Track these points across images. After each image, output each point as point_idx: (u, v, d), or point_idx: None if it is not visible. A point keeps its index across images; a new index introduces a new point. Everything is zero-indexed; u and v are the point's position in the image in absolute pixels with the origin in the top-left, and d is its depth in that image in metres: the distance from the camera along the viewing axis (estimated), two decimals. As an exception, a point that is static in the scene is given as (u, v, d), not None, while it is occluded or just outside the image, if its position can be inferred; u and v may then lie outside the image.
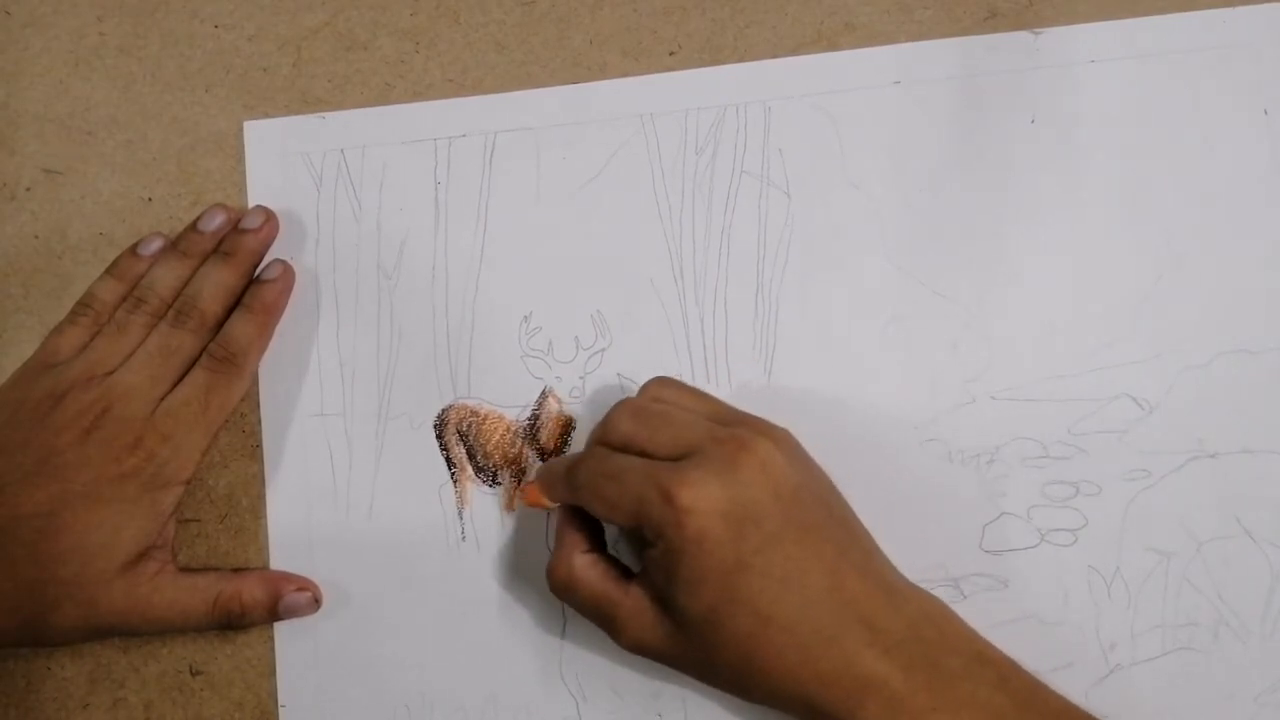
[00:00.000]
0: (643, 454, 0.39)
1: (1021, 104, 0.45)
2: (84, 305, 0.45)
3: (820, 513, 0.38)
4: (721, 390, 0.45)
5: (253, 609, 0.44)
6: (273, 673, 0.45)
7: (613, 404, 0.40)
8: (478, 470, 0.45)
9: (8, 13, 0.50)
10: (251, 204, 0.47)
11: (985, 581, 0.43)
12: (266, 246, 0.46)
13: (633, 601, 0.39)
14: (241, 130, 0.48)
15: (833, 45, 0.46)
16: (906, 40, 0.46)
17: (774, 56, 0.46)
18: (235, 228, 0.46)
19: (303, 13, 0.49)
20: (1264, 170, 0.44)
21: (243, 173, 0.48)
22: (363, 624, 0.45)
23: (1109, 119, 0.45)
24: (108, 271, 0.46)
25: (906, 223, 0.45)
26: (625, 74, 0.47)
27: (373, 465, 0.46)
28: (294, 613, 0.44)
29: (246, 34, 0.49)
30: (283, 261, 0.46)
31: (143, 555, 0.43)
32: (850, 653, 0.36)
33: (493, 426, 0.46)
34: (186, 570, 0.45)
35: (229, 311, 0.45)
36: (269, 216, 0.46)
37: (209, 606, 0.43)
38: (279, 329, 0.46)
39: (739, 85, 0.46)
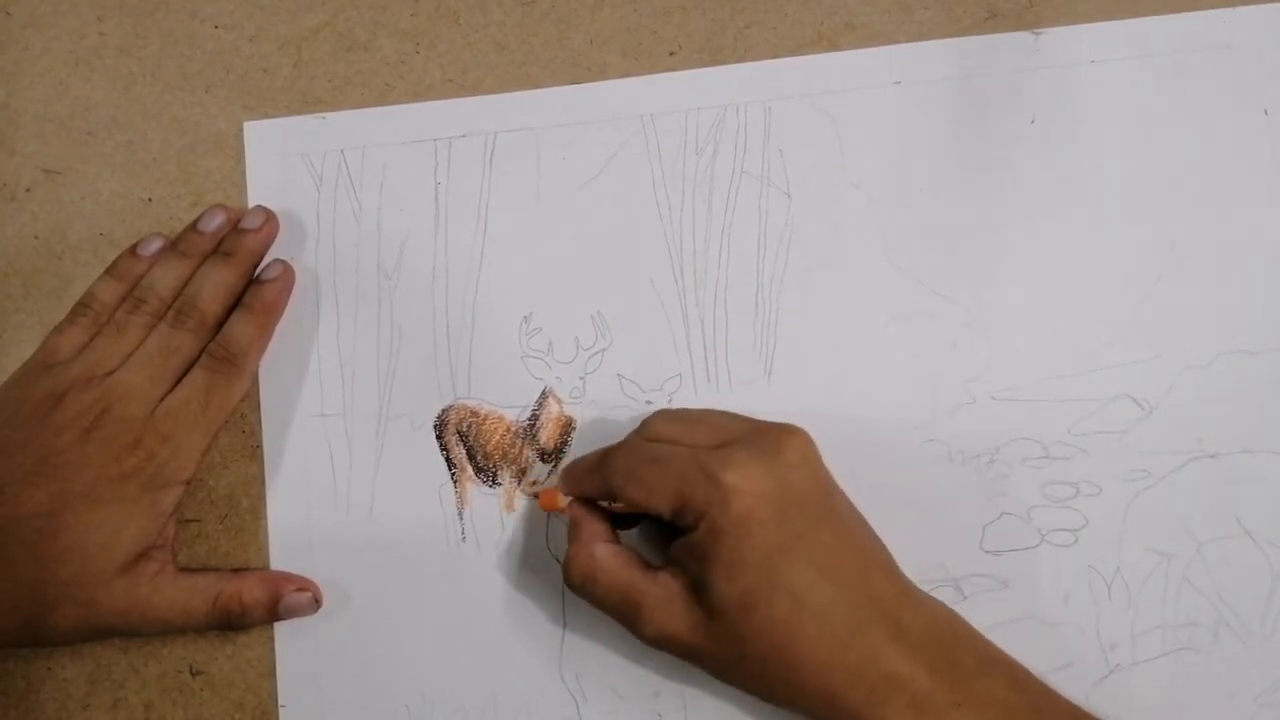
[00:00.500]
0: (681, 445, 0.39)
1: (1022, 104, 0.45)
2: (84, 305, 0.45)
3: (849, 508, 0.39)
4: (722, 390, 0.45)
5: (253, 609, 0.44)
6: (273, 673, 0.45)
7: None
8: (478, 470, 0.45)
9: (8, 13, 0.50)
10: (251, 204, 0.47)
11: (985, 582, 0.43)
12: (266, 246, 0.46)
13: (661, 589, 0.38)
14: (241, 130, 0.48)
15: (833, 45, 0.46)
16: (907, 40, 0.46)
17: (774, 57, 0.46)
18: (235, 228, 0.46)
19: (303, 13, 0.49)
20: (1264, 170, 0.44)
21: (243, 173, 0.48)
22: (363, 624, 0.45)
23: (1109, 119, 0.45)
24: (107, 272, 0.46)
25: (906, 223, 0.45)
26: (625, 74, 0.47)
27: (373, 465, 0.46)
28: (294, 613, 0.44)
29: (247, 34, 0.49)
30: (283, 261, 0.46)
31: (143, 555, 0.43)
32: (877, 647, 0.36)
33: (493, 427, 0.45)
34: (186, 570, 0.45)
35: (229, 312, 0.45)
36: (269, 217, 0.46)
37: (209, 607, 0.43)
38: (279, 329, 0.46)
39: (739, 85, 0.46)
